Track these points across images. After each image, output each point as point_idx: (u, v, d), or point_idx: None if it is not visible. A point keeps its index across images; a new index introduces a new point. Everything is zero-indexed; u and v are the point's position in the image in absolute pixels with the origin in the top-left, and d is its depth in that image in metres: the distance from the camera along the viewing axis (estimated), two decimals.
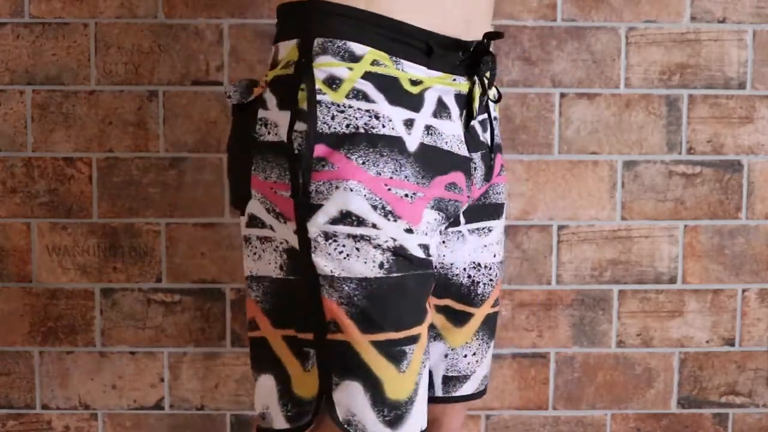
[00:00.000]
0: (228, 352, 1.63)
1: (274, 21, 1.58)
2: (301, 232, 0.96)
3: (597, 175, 1.63)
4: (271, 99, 1.00)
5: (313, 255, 0.95)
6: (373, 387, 0.96)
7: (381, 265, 0.96)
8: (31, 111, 1.58)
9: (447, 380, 1.19)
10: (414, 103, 1.00)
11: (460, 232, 1.14)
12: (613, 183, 1.63)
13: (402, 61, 1.00)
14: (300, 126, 0.96)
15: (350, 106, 0.97)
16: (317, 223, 0.95)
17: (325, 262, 0.95)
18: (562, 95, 1.61)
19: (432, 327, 1.16)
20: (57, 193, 1.59)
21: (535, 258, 1.63)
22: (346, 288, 0.95)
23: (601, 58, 1.60)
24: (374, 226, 0.96)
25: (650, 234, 1.64)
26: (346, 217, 0.95)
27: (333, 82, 0.97)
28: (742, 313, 1.66)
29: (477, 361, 1.20)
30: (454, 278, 1.16)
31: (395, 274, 0.97)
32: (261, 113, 1.00)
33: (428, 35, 1.01)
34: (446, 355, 1.18)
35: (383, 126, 0.97)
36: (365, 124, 0.97)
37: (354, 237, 0.95)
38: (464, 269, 1.16)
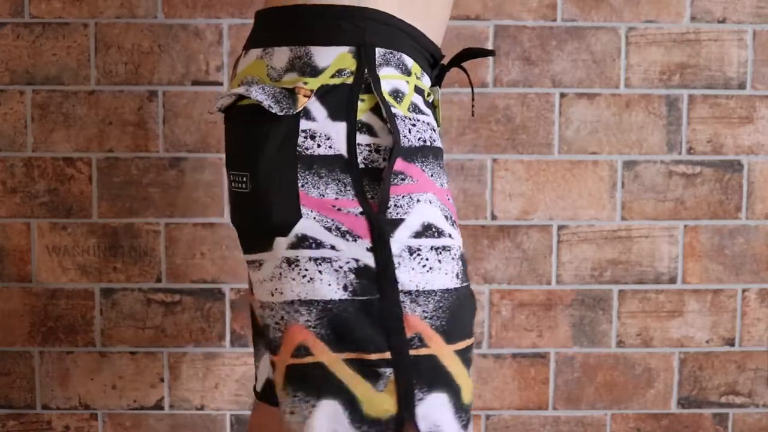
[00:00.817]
0: (228, 352, 1.63)
1: None
2: (382, 249, 0.91)
3: (597, 175, 1.63)
4: (318, 109, 0.92)
5: (396, 271, 0.92)
6: (455, 395, 0.95)
7: (457, 275, 0.95)
8: (31, 111, 1.58)
9: None
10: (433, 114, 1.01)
11: None
12: (613, 183, 1.63)
13: (424, 73, 1.00)
14: (364, 139, 0.92)
15: (417, 120, 0.95)
16: (401, 239, 0.92)
17: (409, 278, 0.92)
18: (562, 95, 1.61)
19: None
20: (57, 193, 1.59)
21: (535, 258, 1.63)
22: (431, 302, 0.93)
23: (601, 58, 1.60)
24: (450, 236, 0.95)
25: (650, 234, 1.64)
26: (427, 230, 0.93)
27: (397, 95, 0.95)
28: (742, 313, 1.66)
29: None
30: None
31: (465, 283, 0.97)
32: (305, 124, 0.92)
33: (434, 47, 1.02)
34: None
35: (437, 139, 0.98)
36: (429, 137, 0.96)
37: (436, 249, 0.94)
38: None
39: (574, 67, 1.60)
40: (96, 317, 1.62)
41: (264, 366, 1.16)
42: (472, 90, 1.12)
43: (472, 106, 1.13)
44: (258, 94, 0.92)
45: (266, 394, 1.17)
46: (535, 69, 1.60)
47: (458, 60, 1.08)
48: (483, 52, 1.06)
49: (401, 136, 0.92)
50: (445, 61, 1.08)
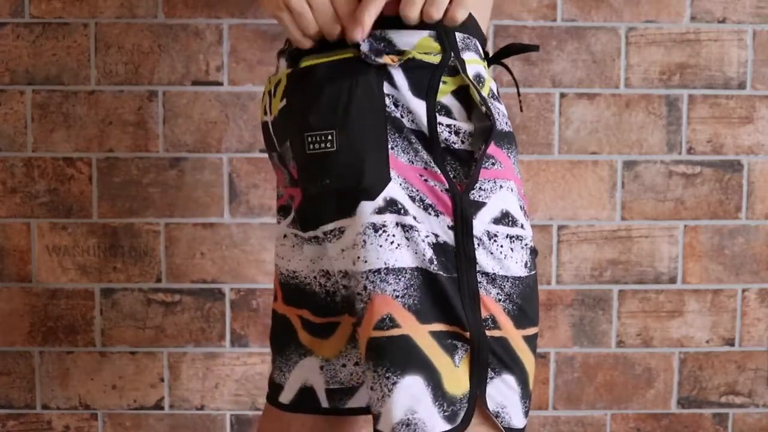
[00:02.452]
0: (228, 352, 1.63)
1: (273, 21, 1.58)
2: (464, 229, 0.90)
3: (597, 175, 1.63)
4: (401, 79, 0.91)
5: (476, 252, 0.91)
6: (524, 380, 0.96)
7: (526, 264, 0.95)
8: (31, 111, 1.58)
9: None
10: None
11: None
12: (613, 183, 1.63)
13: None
14: (443, 119, 0.91)
15: (498, 108, 0.95)
16: (483, 221, 0.92)
17: (487, 260, 0.92)
18: (562, 95, 1.61)
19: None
20: (57, 193, 1.59)
21: None
22: (507, 287, 0.93)
23: (601, 58, 1.60)
24: (522, 226, 0.95)
25: (650, 234, 1.64)
26: (505, 217, 0.93)
27: (479, 80, 0.95)
28: (742, 313, 1.66)
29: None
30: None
31: (533, 272, 0.97)
32: (388, 89, 0.91)
33: (485, 39, 1.02)
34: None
35: (510, 126, 0.97)
36: (507, 123, 0.96)
37: (510, 237, 0.94)
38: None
39: (574, 67, 1.60)
40: (96, 317, 1.62)
41: (298, 374, 1.14)
42: (517, 87, 1.11)
43: (519, 102, 1.12)
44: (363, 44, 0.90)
45: (297, 404, 1.15)
46: (535, 69, 1.60)
47: (501, 56, 1.07)
48: (526, 48, 1.05)
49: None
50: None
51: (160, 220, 1.60)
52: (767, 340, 1.67)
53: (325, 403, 1.14)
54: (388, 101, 0.90)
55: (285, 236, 1.11)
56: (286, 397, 1.16)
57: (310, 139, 0.91)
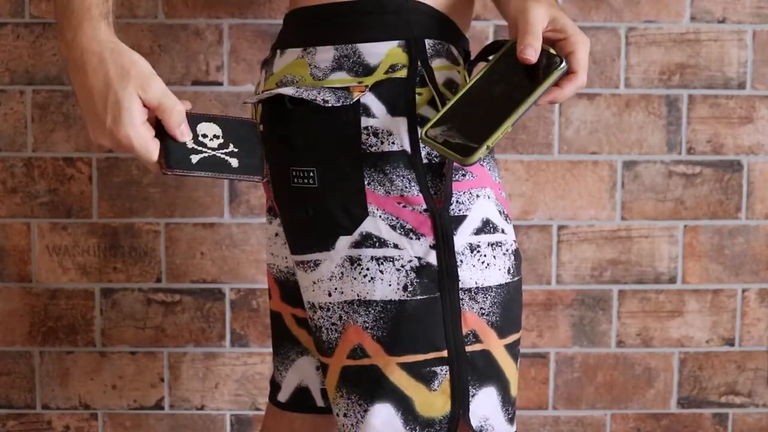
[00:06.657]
0: (228, 352, 1.63)
1: (273, 21, 1.59)
2: (446, 246, 0.91)
3: (597, 175, 1.63)
4: (377, 106, 0.92)
5: (459, 269, 0.91)
6: (504, 388, 0.96)
7: (509, 270, 0.95)
8: (31, 111, 1.58)
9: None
10: None
11: None
12: (613, 183, 1.63)
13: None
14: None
15: None
16: (463, 236, 0.92)
17: (470, 275, 0.92)
18: None
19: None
20: (57, 193, 1.59)
21: (535, 258, 1.63)
22: (488, 299, 0.93)
23: (601, 58, 1.60)
24: (503, 231, 0.95)
25: (650, 234, 1.64)
26: (486, 226, 0.93)
27: (451, 86, 0.95)
28: (742, 313, 1.66)
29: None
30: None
31: (517, 277, 0.96)
32: (366, 121, 0.92)
33: (467, 41, 1.03)
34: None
35: None
36: None
37: (492, 245, 0.93)
38: None
39: None
40: (96, 317, 1.62)
41: (294, 374, 1.15)
42: None
43: None
44: (317, 93, 0.91)
45: (294, 403, 1.16)
46: None
47: (486, 53, 1.06)
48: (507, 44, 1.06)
49: None
50: (472, 56, 1.07)
51: (160, 220, 1.60)
52: (767, 340, 1.67)
53: (320, 402, 1.14)
54: (365, 137, 0.91)
55: (276, 234, 1.11)
56: (283, 396, 1.17)
57: (295, 173, 0.94)
